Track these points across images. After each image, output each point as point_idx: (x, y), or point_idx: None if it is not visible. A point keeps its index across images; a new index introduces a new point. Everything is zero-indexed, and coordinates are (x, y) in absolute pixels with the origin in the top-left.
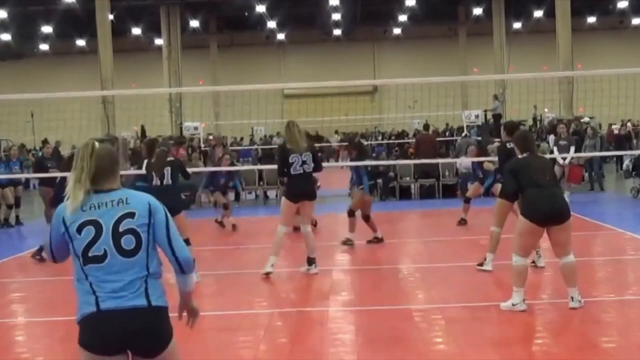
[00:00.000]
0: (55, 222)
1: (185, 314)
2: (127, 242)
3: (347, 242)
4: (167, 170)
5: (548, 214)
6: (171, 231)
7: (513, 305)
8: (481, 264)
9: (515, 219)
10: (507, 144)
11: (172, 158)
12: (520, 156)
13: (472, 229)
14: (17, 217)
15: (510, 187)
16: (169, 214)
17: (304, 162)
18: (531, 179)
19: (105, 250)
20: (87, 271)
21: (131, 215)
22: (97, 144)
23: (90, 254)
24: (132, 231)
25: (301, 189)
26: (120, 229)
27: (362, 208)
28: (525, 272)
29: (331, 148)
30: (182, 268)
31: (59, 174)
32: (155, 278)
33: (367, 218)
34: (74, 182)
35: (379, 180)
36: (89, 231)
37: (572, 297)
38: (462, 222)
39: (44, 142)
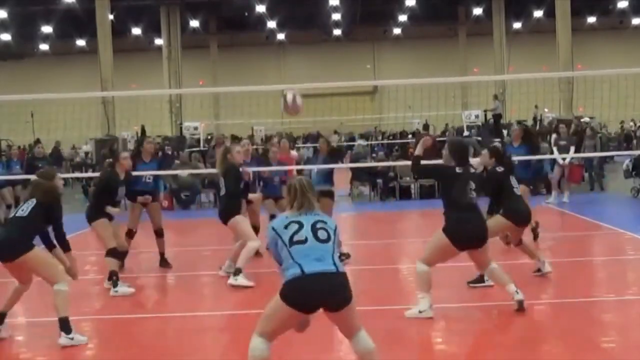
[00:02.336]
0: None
1: None
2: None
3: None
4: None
5: (470, 241)
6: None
7: (420, 312)
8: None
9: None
10: (497, 168)
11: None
12: (457, 169)
13: None
14: None
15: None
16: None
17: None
18: (461, 198)
19: (306, 237)
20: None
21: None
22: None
23: (295, 239)
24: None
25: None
26: (317, 226)
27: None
28: (430, 278)
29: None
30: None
31: None
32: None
33: None
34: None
35: (379, 180)
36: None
37: (516, 291)
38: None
39: (36, 142)
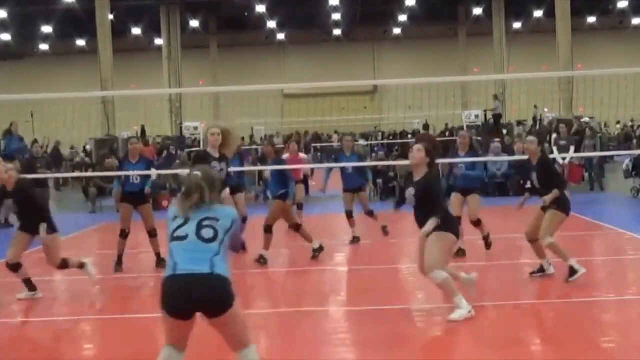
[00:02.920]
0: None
1: None
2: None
3: (261, 260)
4: None
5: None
6: None
7: (469, 312)
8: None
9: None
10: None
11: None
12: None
13: (471, 230)
14: None
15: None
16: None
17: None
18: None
19: (187, 234)
20: None
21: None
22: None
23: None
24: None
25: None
26: (204, 224)
27: (286, 218)
28: (452, 280)
29: (332, 148)
30: None
31: (50, 175)
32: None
33: (297, 227)
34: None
35: (379, 180)
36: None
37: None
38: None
39: (34, 143)
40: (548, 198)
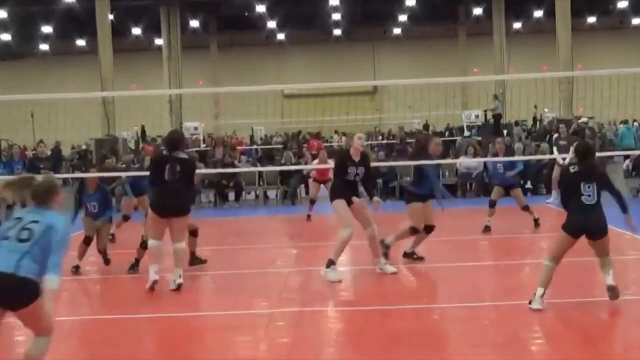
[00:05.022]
0: None
1: None
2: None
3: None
4: None
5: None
6: None
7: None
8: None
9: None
10: (571, 167)
11: None
12: None
13: (472, 230)
14: None
15: None
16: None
17: None
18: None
19: (11, 235)
20: None
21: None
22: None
23: None
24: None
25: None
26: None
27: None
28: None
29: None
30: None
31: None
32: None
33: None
34: None
35: (379, 180)
36: None
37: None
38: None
39: (39, 143)
40: None
